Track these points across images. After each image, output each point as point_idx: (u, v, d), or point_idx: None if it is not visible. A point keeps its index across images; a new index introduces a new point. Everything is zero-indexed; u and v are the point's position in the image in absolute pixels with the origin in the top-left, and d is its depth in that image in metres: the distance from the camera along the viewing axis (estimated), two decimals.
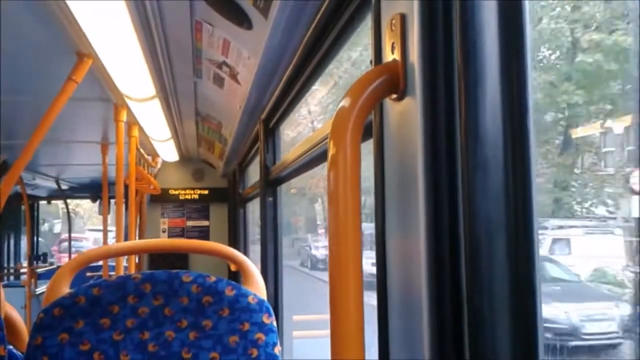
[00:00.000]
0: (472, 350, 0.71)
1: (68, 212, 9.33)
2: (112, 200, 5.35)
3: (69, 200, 9.18)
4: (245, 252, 5.64)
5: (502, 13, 0.72)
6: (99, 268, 6.30)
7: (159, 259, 6.60)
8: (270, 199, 3.11)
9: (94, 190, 8.58)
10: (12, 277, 8.87)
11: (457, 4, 0.74)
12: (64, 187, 8.35)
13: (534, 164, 0.72)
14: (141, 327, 1.50)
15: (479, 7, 0.72)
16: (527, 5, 0.73)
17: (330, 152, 0.82)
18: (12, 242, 9.77)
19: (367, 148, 1.04)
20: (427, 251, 0.79)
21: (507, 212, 0.70)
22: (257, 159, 3.34)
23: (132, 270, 3.85)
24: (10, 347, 1.48)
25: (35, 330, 1.46)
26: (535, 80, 0.77)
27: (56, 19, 1.93)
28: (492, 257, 0.70)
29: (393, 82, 0.87)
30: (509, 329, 0.70)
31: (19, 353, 1.53)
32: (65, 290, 1.56)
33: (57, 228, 19.09)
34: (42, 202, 10.03)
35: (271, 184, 3.07)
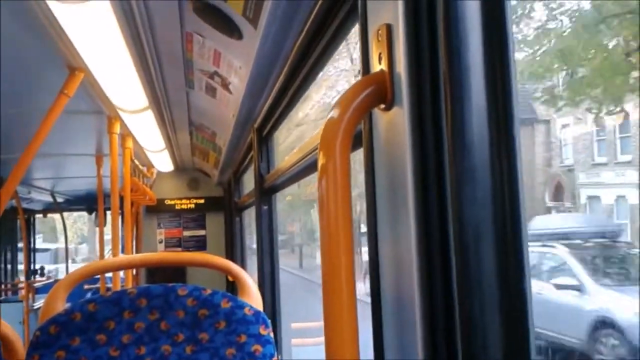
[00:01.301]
0: (465, 351, 0.72)
1: (65, 227, 9.30)
2: (109, 212, 5.34)
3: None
4: (243, 261, 5.64)
5: (486, 21, 0.73)
6: (96, 281, 6.29)
7: (157, 270, 6.58)
8: (266, 207, 3.12)
9: (89, 202, 8.56)
10: (9, 293, 8.84)
11: (441, 12, 0.75)
12: (59, 200, 8.33)
13: (520, 170, 0.72)
14: (137, 343, 1.49)
15: (463, 16, 0.73)
16: (510, 13, 0.74)
17: (320, 162, 0.83)
18: (8, 256, 9.73)
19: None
20: (418, 256, 0.80)
21: (495, 217, 0.71)
22: (252, 168, 3.35)
23: (129, 283, 3.85)
24: None
25: (32, 349, 1.46)
26: None
27: (47, 33, 1.93)
28: (481, 261, 0.71)
29: (381, 92, 0.88)
30: (501, 330, 0.71)
31: None
32: (62, 306, 1.56)
33: None
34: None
35: (266, 192, 3.07)
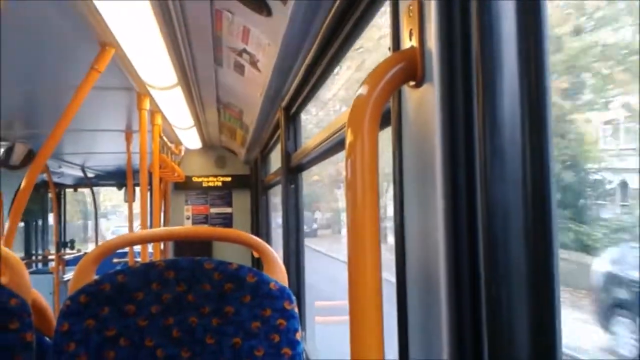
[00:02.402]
0: (491, 346, 0.71)
1: (95, 202, 9.46)
2: (138, 188, 5.41)
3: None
4: (268, 238, 5.68)
5: None
6: (125, 254, 6.40)
7: (184, 245, 6.67)
8: (292, 185, 3.13)
9: (119, 177, 8.68)
10: (40, 264, 9.06)
11: None
12: (89, 175, 8.47)
13: (551, 150, 0.71)
14: (165, 313, 1.52)
15: None
16: None
17: (348, 140, 0.83)
18: (39, 229, 9.95)
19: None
20: (445, 240, 0.79)
21: (525, 199, 0.70)
22: (279, 146, 3.35)
23: (157, 257, 3.91)
24: (38, 333, 1.52)
25: (62, 317, 1.49)
26: None
27: (78, 9, 1.95)
28: (509, 246, 0.70)
29: (411, 68, 0.86)
30: (527, 320, 0.69)
31: (47, 339, 1.57)
32: (91, 277, 1.59)
33: None
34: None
35: (292, 171, 3.08)
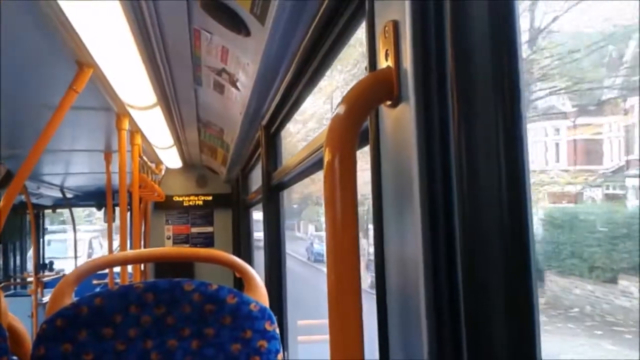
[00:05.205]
0: (470, 351, 0.72)
1: (73, 222, 9.35)
2: (117, 208, 5.36)
3: None
4: (250, 258, 5.64)
5: (494, 18, 0.72)
6: (105, 276, 6.32)
7: (165, 266, 6.61)
8: (273, 204, 3.12)
9: (99, 198, 8.60)
10: (18, 287, 8.91)
11: (448, 9, 0.75)
12: (68, 195, 8.38)
13: (528, 168, 0.72)
14: (144, 337, 1.50)
15: (470, 12, 0.73)
16: (518, 10, 0.73)
17: (326, 159, 0.83)
18: (17, 251, 9.80)
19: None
20: (424, 254, 0.80)
21: (502, 215, 0.71)
22: (259, 165, 3.35)
23: (137, 278, 3.86)
24: (15, 357, 1.49)
25: (38, 341, 1.46)
26: None
27: (55, 29, 1.94)
28: (487, 260, 0.70)
29: (387, 88, 0.87)
30: (506, 330, 0.70)
31: None
32: (69, 300, 1.57)
33: None
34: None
35: (273, 189, 3.07)
